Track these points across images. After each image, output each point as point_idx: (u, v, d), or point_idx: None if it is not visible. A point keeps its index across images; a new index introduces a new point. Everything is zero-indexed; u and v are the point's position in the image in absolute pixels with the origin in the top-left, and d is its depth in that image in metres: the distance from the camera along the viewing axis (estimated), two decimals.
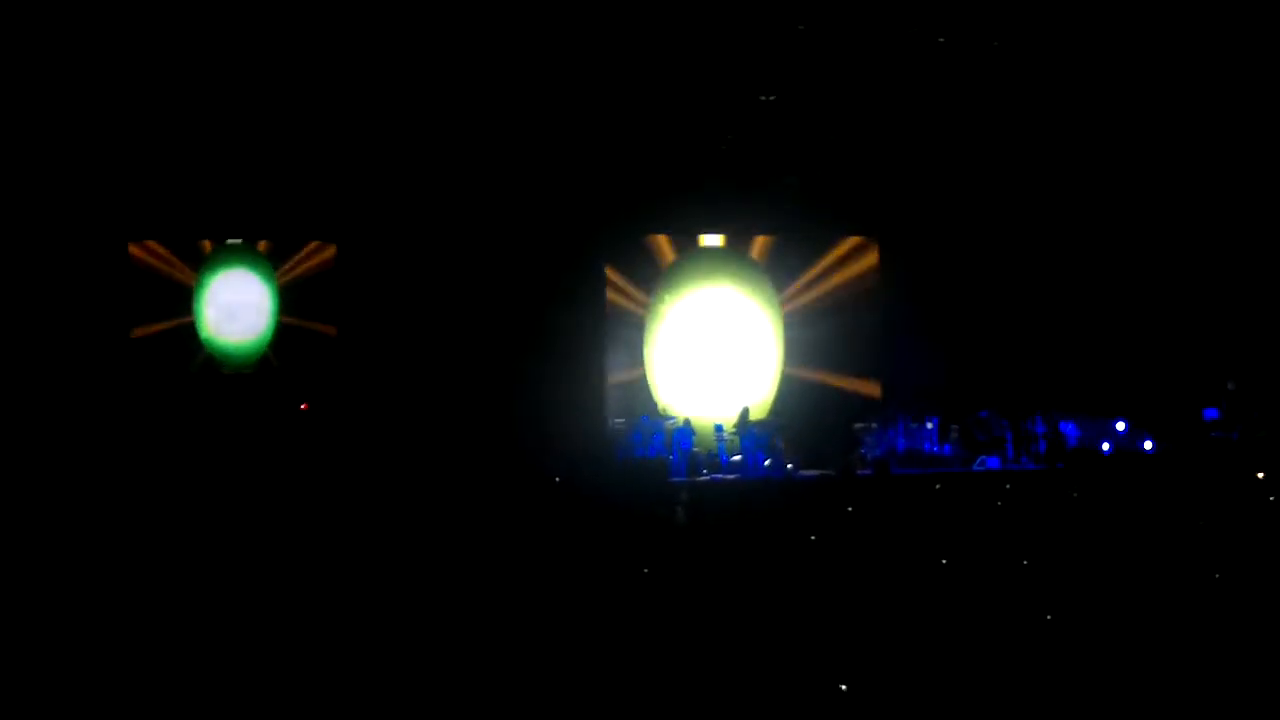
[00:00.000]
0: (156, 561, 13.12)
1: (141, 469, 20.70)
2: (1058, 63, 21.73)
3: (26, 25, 20.18)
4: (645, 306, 25.54)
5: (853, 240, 26.30)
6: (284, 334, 24.87)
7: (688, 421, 24.38)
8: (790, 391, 25.67)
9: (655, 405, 24.82)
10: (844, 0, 20.70)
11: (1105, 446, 23.80)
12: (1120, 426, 24.18)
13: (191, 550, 13.66)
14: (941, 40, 20.87)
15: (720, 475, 23.00)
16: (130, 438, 22.19)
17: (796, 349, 25.91)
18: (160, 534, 14.95)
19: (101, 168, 22.89)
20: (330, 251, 24.82)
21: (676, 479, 22.02)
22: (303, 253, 24.89)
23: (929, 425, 24.39)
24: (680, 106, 23.19)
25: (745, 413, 24.49)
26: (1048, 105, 23.08)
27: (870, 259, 26.31)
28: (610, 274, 25.08)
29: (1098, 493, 19.53)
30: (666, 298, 25.64)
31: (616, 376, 24.88)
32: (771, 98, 22.76)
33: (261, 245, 24.84)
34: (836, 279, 26.23)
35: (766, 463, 23.08)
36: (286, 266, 24.89)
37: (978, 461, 23.58)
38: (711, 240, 25.95)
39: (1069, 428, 24.21)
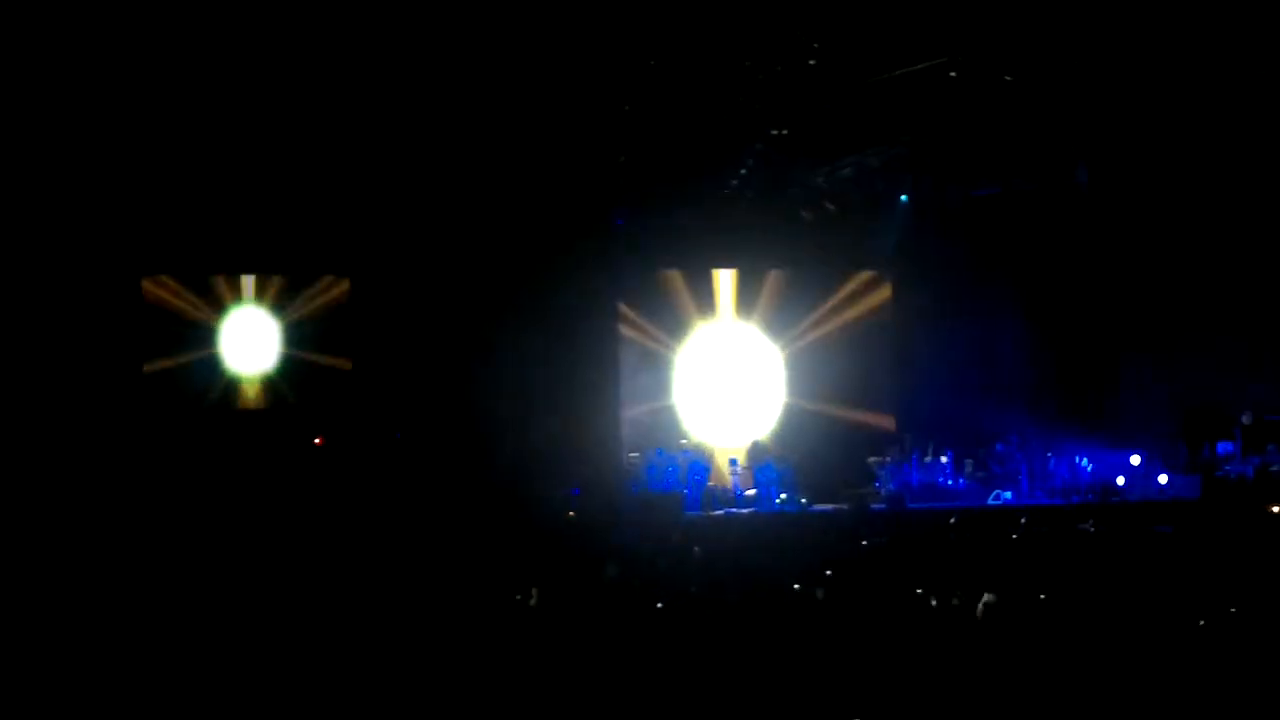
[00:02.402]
0: (167, 595, 13.09)
1: (153, 504, 20.66)
2: (1067, 91, 21.71)
3: (39, 59, 20.23)
4: (659, 341, 25.56)
5: (866, 274, 26.33)
6: (298, 369, 24.87)
7: (701, 450, 24.39)
8: (804, 425, 25.64)
9: (672, 439, 24.75)
10: (856, 34, 20.72)
11: (1120, 480, 23.74)
12: (1135, 460, 24.12)
13: (203, 585, 13.64)
14: (952, 74, 20.86)
15: (735, 509, 22.97)
16: (142, 473, 22.15)
17: (810, 383, 25.90)
18: (168, 568, 14.92)
19: (114, 202, 22.88)
20: (344, 286, 24.82)
21: (691, 513, 21.99)
22: (316, 287, 24.91)
23: (943, 459, 24.36)
24: (692, 142, 23.20)
25: (759, 447, 24.47)
26: (1052, 134, 23.05)
27: (884, 293, 26.33)
28: (624, 309, 25.08)
29: (1114, 526, 19.49)
30: (681, 332, 25.68)
31: (631, 410, 24.85)
32: (784, 132, 22.76)
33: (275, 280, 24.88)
34: (850, 313, 26.25)
35: (781, 497, 23.03)
36: (300, 301, 24.91)
37: (993, 495, 23.53)
38: (725, 275, 25.98)
39: (1085, 461, 24.17)
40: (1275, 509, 20.43)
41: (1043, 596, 12.58)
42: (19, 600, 12.83)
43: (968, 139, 22.99)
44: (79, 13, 19.57)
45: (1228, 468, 23.20)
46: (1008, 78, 21.04)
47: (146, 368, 23.97)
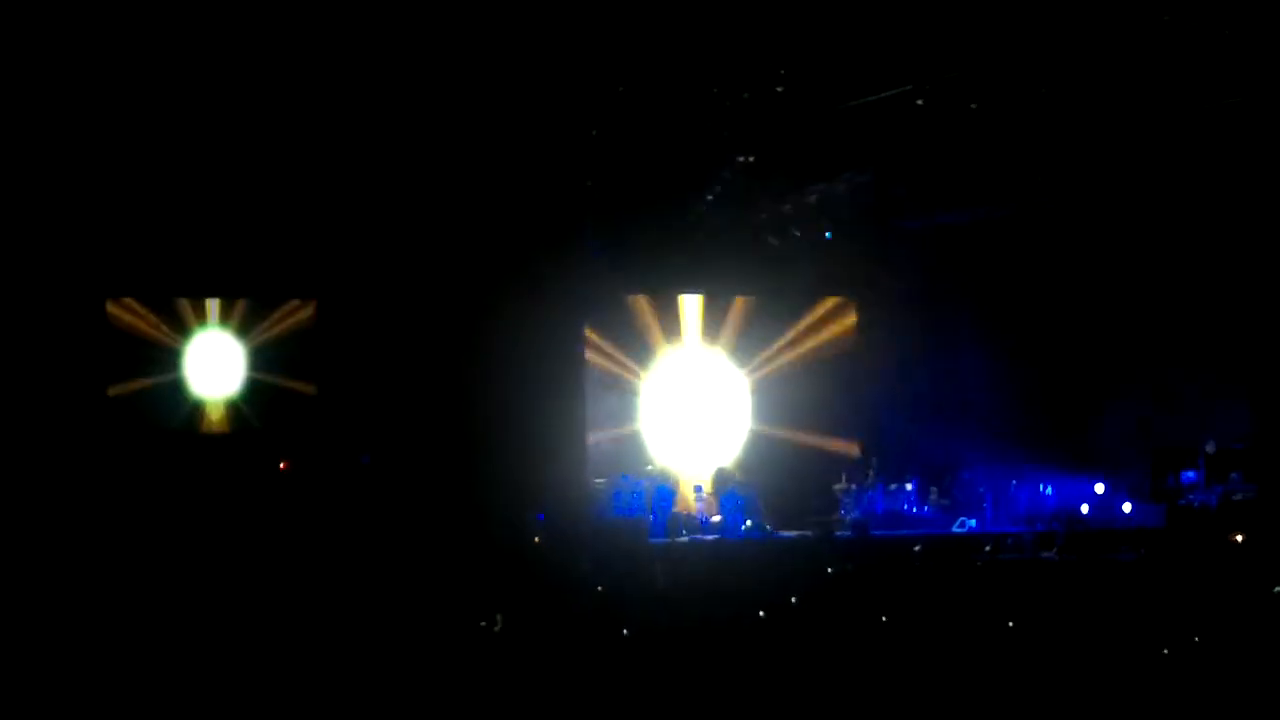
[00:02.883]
0: (131, 620, 13.04)
1: (116, 528, 20.54)
2: (1034, 118, 21.80)
3: (2, 79, 20.16)
4: (625, 366, 25.56)
5: (832, 300, 26.40)
6: (263, 393, 24.80)
7: (666, 476, 24.38)
8: (770, 452, 25.65)
9: (637, 465, 24.72)
10: (823, 61, 20.79)
11: (1084, 508, 23.82)
12: (1099, 488, 24.21)
13: (166, 610, 13.58)
14: (920, 102, 20.94)
15: (699, 536, 22.95)
16: (105, 497, 22.01)
17: (776, 409, 25.93)
18: (132, 593, 14.86)
19: (78, 224, 22.76)
20: (310, 310, 24.76)
21: (656, 539, 21.97)
22: (282, 311, 24.85)
23: (908, 486, 24.42)
24: (659, 168, 23.22)
25: (724, 473, 24.47)
26: (1019, 161, 23.13)
27: (849, 319, 26.40)
28: (590, 334, 25.04)
29: (1078, 554, 19.55)
30: (647, 357, 25.70)
31: (597, 436, 24.80)
32: (750, 158, 22.81)
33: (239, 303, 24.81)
34: (816, 339, 26.30)
35: (746, 524, 23.04)
36: (265, 325, 24.85)
37: (958, 523, 23.58)
38: (691, 300, 26.01)
39: (1049, 489, 24.26)
40: (1238, 538, 20.51)
41: (1009, 623, 12.62)
42: None
43: (934, 166, 23.04)
44: (45, 35, 19.52)
45: (1191, 496, 23.28)
46: (974, 105, 21.12)
47: (111, 391, 23.83)
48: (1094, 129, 21.71)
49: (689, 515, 23.73)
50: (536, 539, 20.27)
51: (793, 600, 14.10)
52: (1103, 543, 21.05)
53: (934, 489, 24.56)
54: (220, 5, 19.40)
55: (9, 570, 16.61)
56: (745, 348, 26.12)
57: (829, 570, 17.23)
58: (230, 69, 20.49)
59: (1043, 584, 16.10)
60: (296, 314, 24.85)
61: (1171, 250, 24.23)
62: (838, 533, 22.18)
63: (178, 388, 24.54)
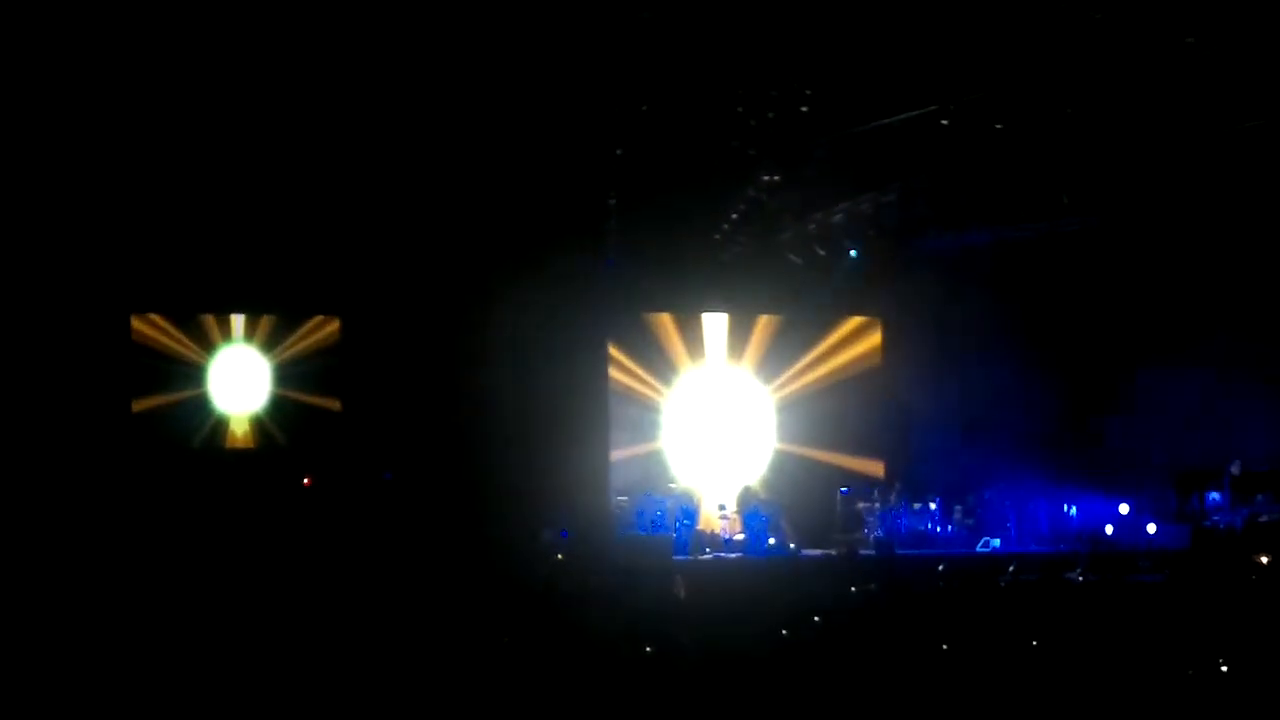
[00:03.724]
0: (154, 635, 13.05)
1: (140, 543, 20.57)
2: (1059, 138, 21.78)
3: (28, 93, 20.23)
4: (649, 384, 25.56)
5: (857, 319, 26.40)
6: (287, 409, 24.84)
7: (689, 494, 24.37)
8: (793, 470, 25.63)
9: (660, 483, 24.72)
10: (849, 81, 20.81)
11: (1108, 529, 23.76)
12: (1123, 509, 24.14)
13: (189, 625, 13.59)
14: (945, 122, 20.94)
15: (722, 554, 22.95)
16: (129, 512, 22.04)
17: (800, 428, 25.91)
18: (155, 608, 14.87)
19: (104, 240, 22.83)
20: (334, 326, 24.81)
21: (679, 557, 21.96)
22: (307, 327, 24.90)
23: (932, 506, 24.38)
24: (683, 186, 23.25)
25: (748, 491, 24.45)
26: (1045, 181, 23.10)
27: (874, 338, 26.39)
28: (613, 351, 25.03)
29: (1102, 575, 19.47)
30: (668, 376, 25.70)
31: (620, 454, 24.79)
32: (776, 178, 22.82)
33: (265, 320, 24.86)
34: (840, 358, 26.29)
35: (769, 542, 23.02)
36: (290, 341, 24.90)
37: (982, 542, 23.53)
38: (715, 319, 26.01)
39: (1073, 509, 24.19)
40: (1263, 559, 20.41)
41: (1033, 643, 12.58)
42: (6, 638, 12.78)
43: (959, 186, 23.02)
44: (69, 48, 19.60)
45: (1216, 518, 23.21)
46: (999, 126, 21.11)
47: (135, 406, 23.89)
48: (1119, 147, 21.67)
49: (712, 533, 23.73)
50: (560, 555, 20.24)
51: (816, 619, 14.06)
52: (1126, 564, 20.97)
53: (958, 508, 24.54)
54: (249, 22, 19.48)
55: (35, 584, 16.64)
56: (770, 366, 26.14)
57: (853, 589, 17.17)
58: (259, 86, 20.58)
59: (1066, 604, 16.02)
60: (321, 330, 24.89)
61: (1197, 269, 24.19)
62: (862, 551, 22.14)
63: (202, 403, 24.60)
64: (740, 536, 23.55)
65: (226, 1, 19.34)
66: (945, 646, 12.49)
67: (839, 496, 24.90)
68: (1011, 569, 19.84)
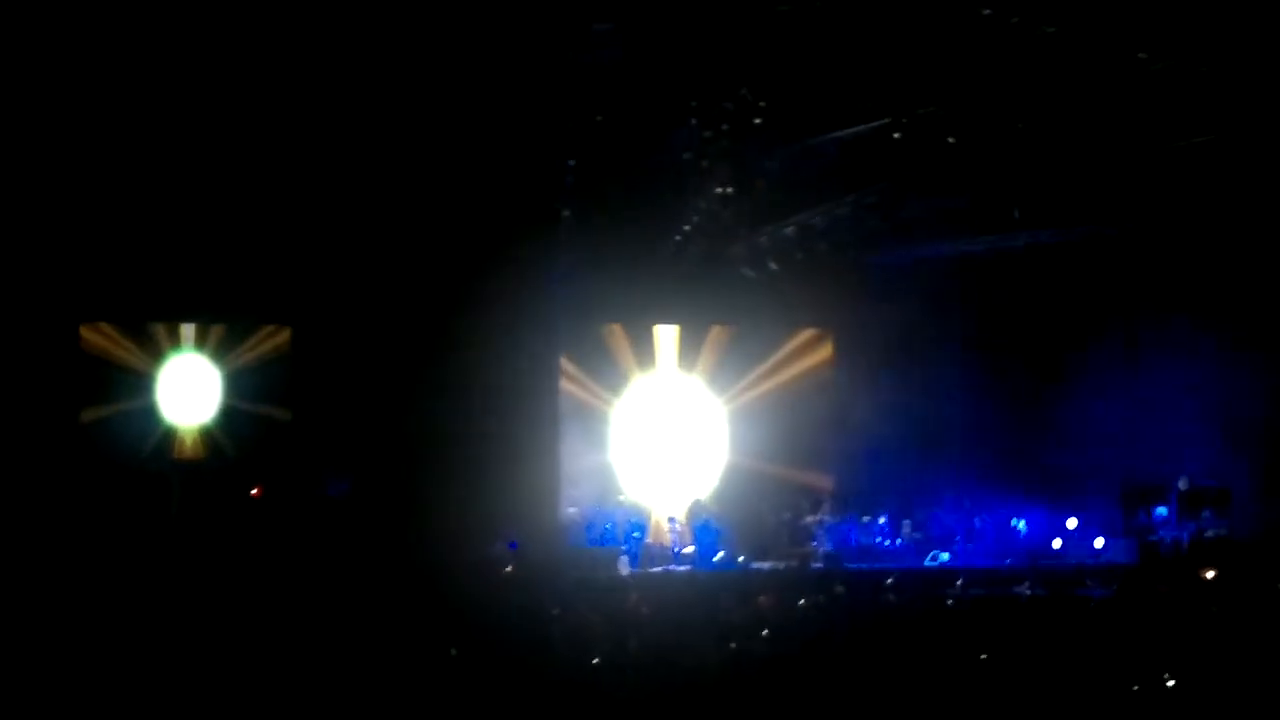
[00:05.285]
0: (99, 649, 12.95)
1: (87, 555, 20.41)
2: (1011, 152, 21.89)
3: None
4: (599, 396, 25.53)
5: (808, 332, 26.42)
6: (237, 419, 24.71)
7: (639, 507, 24.35)
8: (743, 483, 25.62)
9: (610, 495, 24.70)
10: (803, 93, 20.88)
11: (1057, 544, 23.88)
12: (1071, 524, 24.25)
13: (135, 637, 13.49)
14: (897, 135, 21.05)
15: (672, 567, 22.93)
16: (78, 523, 21.87)
17: (750, 441, 25.90)
18: (101, 621, 14.76)
19: (52, 247, 22.64)
20: (285, 335, 24.70)
21: (628, 570, 21.95)
22: (257, 336, 24.78)
23: (881, 520, 24.43)
24: (635, 198, 23.25)
25: (698, 505, 24.45)
26: (997, 195, 23.22)
27: (825, 351, 26.42)
28: (565, 363, 24.98)
29: (1050, 589, 19.55)
30: (619, 387, 25.68)
31: (570, 465, 24.73)
32: (728, 190, 22.83)
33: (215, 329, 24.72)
34: (791, 370, 26.32)
35: (719, 555, 23.02)
36: (240, 350, 24.77)
37: (930, 556, 23.59)
38: (667, 330, 26.00)
39: (1021, 524, 24.29)
40: (1209, 574, 20.53)
41: (982, 657, 12.60)
42: None
43: (912, 200, 23.11)
44: (18, 54, 19.47)
45: (1163, 533, 23.35)
46: (951, 139, 21.21)
47: (84, 416, 23.71)
48: (1068, 161, 21.81)
49: (662, 546, 23.71)
50: (509, 567, 20.21)
51: (765, 632, 14.07)
52: (1074, 578, 21.07)
53: (907, 522, 24.60)
54: (194, 27, 19.37)
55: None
56: (721, 378, 26.13)
57: (802, 602, 17.18)
58: (204, 91, 20.45)
59: (1014, 618, 16.07)
60: (272, 339, 24.77)
61: (1146, 285, 24.36)
62: (811, 565, 22.17)
63: (151, 413, 24.43)
64: (690, 549, 23.54)
65: (169, 12, 19.22)
66: (894, 660, 12.51)
67: (780, 510, 24.84)
68: (960, 583, 19.92)
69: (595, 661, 12.30)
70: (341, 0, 19.33)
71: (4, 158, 21.13)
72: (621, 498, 24.73)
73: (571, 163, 22.02)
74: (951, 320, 25.75)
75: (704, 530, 23.60)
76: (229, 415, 24.75)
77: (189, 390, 24.62)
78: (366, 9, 19.32)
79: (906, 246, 24.77)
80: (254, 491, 23.91)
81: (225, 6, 19.20)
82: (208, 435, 24.72)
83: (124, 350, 24.28)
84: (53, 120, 20.71)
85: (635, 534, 23.44)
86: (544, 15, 19.37)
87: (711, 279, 24.99)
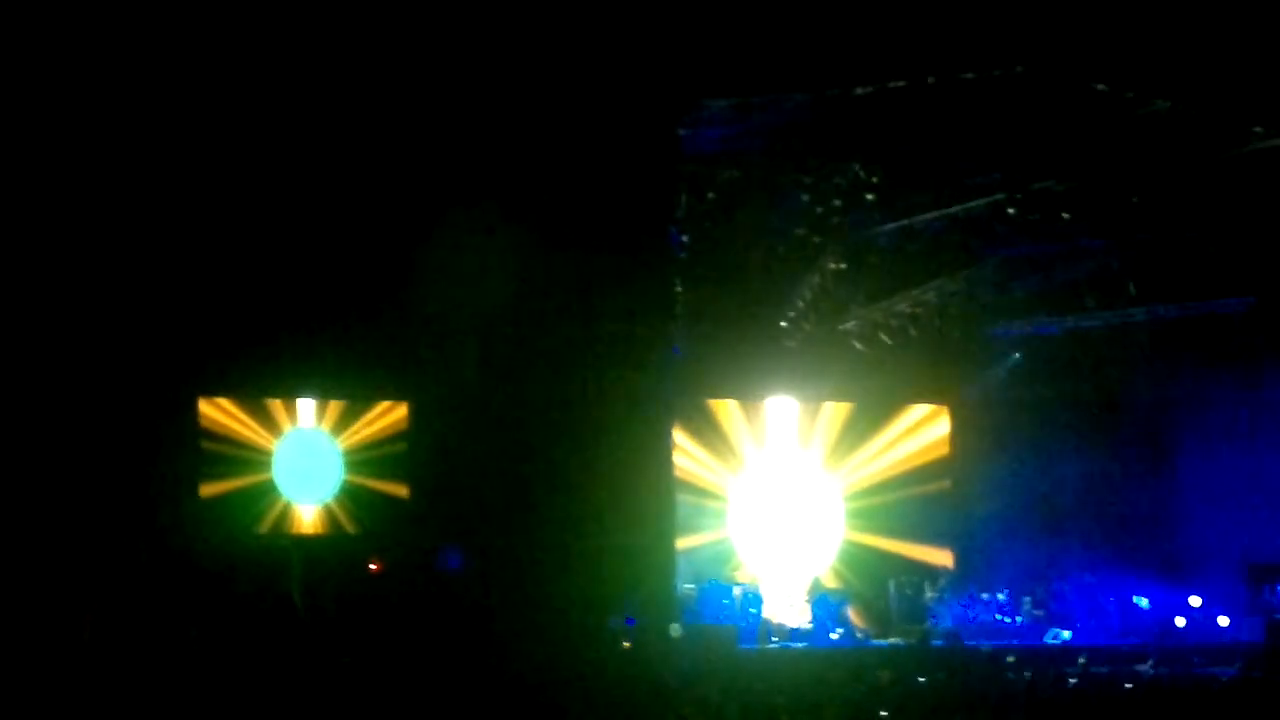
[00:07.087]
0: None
1: (206, 628, 20.59)
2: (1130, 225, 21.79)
3: (92, 174, 20.42)
4: (715, 471, 25.52)
5: (925, 407, 26.33)
6: (355, 495, 24.87)
7: (756, 583, 24.26)
8: (861, 559, 25.51)
9: (726, 571, 24.65)
10: (911, 171, 20.93)
11: (1180, 621, 23.55)
12: (1195, 601, 23.92)
13: (264, 714, 13.61)
14: (1011, 211, 21.03)
15: (790, 643, 22.81)
16: (198, 597, 22.08)
17: (867, 516, 25.80)
18: (219, 696, 14.89)
19: (171, 324, 22.96)
20: (402, 411, 24.88)
21: (746, 646, 21.84)
22: (374, 411, 24.98)
23: (1001, 596, 24.20)
24: (749, 273, 23.34)
25: (816, 581, 24.35)
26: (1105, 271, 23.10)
27: (942, 427, 26.31)
28: (679, 438, 24.98)
29: (1174, 668, 19.28)
30: (736, 463, 25.66)
31: (686, 542, 24.70)
32: (841, 265, 22.89)
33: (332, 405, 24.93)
34: (908, 446, 26.22)
35: (837, 632, 22.89)
36: (357, 426, 24.97)
37: (1051, 634, 23.32)
38: (781, 405, 25.97)
39: (1144, 601, 24.00)
40: None
41: None
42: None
43: (1030, 274, 23.08)
44: (140, 137, 19.83)
45: None
46: (1066, 215, 21.16)
47: (203, 491, 23.95)
48: (1188, 235, 21.72)
49: (779, 622, 23.59)
50: (626, 644, 20.18)
51: (883, 714, 13.96)
52: (1199, 657, 20.76)
53: (1027, 599, 24.34)
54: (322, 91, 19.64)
55: (105, 670, 16.71)
56: (836, 454, 26.05)
57: (921, 679, 17.04)
58: (334, 174, 20.74)
59: (1138, 698, 15.84)
60: (389, 415, 24.96)
61: (1267, 357, 24.10)
62: (930, 642, 21.98)
63: (270, 488, 24.65)
64: (807, 626, 23.42)
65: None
66: None
67: (899, 586, 24.65)
68: (1081, 660, 19.67)
69: None
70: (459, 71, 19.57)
71: (126, 234, 21.52)
72: (738, 574, 24.65)
73: (685, 238, 22.12)
74: (1070, 394, 25.56)
75: (821, 606, 23.48)
76: (347, 490, 24.92)
77: (308, 465, 24.82)
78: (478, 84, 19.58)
79: (1023, 320, 24.68)
80: (373, 566, 24.04)
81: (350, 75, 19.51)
82: (327, 510, 24.89)
83: (242, 425, 24.52)
84: (173, 199, 21.07)
85: (752, 610, 23.31)
86: (658, 93, 19.53)
87: (825, 354, 24.99)
